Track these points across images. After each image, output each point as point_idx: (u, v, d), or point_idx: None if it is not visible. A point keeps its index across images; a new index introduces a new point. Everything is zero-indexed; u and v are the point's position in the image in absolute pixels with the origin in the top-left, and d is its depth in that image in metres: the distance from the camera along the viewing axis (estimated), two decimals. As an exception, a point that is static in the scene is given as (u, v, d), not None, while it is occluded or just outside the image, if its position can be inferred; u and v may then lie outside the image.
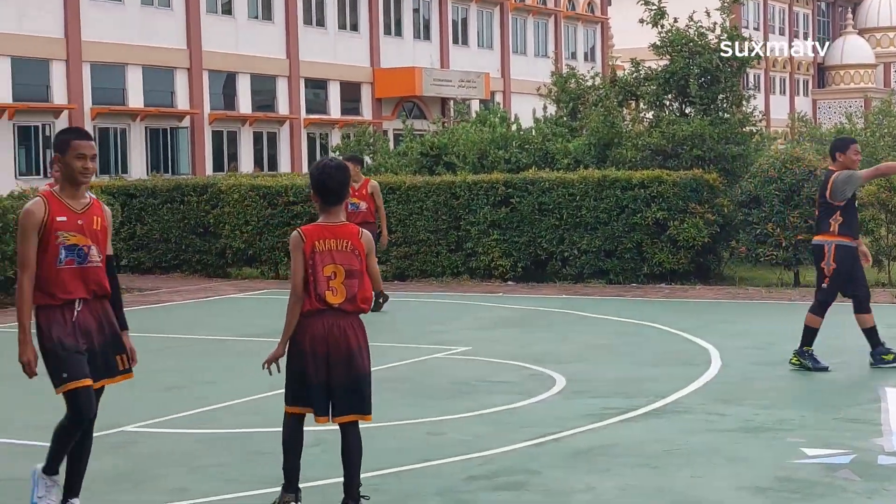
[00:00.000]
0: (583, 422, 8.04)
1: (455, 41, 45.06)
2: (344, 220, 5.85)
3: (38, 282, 5.69)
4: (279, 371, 5.87)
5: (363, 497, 5.88)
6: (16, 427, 8.39)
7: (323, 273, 5.68)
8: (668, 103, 19.51)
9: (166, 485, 6.70)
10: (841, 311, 13.92)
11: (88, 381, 5.74)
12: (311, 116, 38.86)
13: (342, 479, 5.90)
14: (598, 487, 6.44)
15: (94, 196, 5.98)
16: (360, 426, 5.86)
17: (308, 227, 5.82)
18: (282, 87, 37.87)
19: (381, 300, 14.15)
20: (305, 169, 37.48)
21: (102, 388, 5.97)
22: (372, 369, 5.91)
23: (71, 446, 5.82)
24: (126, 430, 8.06)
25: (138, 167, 32.68)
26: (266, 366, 5.87)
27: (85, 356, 5.76)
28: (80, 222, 5.74)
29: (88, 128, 31.22)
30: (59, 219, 5.69)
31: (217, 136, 35.88)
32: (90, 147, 5.82)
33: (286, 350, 5.83)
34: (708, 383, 9.43)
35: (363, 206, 14.40)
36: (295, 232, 5.80)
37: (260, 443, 7.78)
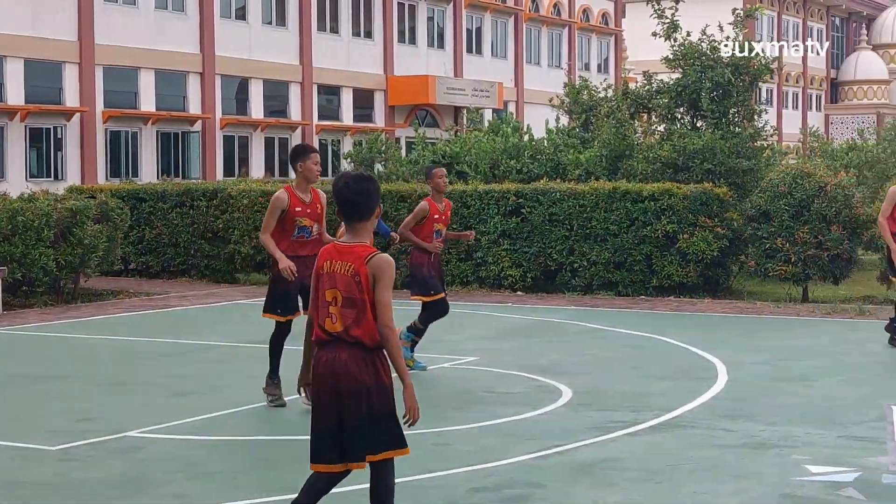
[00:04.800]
0: (588, 435, 8.03)
1: (469, 50, 45.08)
2: (363, 241, 5.19)
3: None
4: (308, 399, 5.42)
5: None
6: (23, 430, 8.39)
7: (324, 298, 5.16)
8: (679, 116, 19.51)
9: (168, 491, 6.71)
10: (846, 328, 13.90)
11: None
12: (324, 123, 38.90)
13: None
14: (602, 502, 6.43)
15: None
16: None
17: (325, 247, 5.32)
18: (294, 93, 37.92)
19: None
20: (316, 175, 37.47)
21: None
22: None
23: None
24: (131, 436, 8.07)
25: (149, 171, 32.71)
26: (300, 391, 5.49)
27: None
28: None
29: (99, 131, 31.34)
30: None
31: (228, 141, 35.93)
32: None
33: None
34: (714, 398, 9.41)
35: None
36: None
37: (265, 451, 7.79)
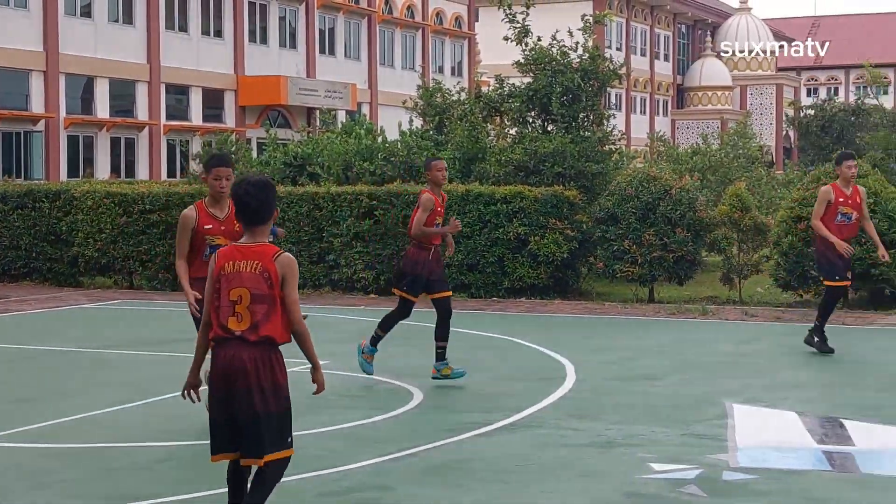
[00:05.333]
0: (438, 436, 8.05)
1: (322, 51, 44.87)
2: (262, 242, 5.31)
3: None
4: (199, 400, 5.58)
5: None
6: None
7: (228, 298, 5.21)
8: (531, 120, 19.77)
9: (9, 501, 6.47)
10: (690, 328, 14.28)
11: None
12: (172, 123, 38.22)
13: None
14: (450, 503, 6.45)
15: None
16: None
17: (223, 249, 5.40)
18: (142, 93, 37.15)
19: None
20: (164, 176, 36.83)
21: None
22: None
23: None
24: (-34, 445, 7.77)
25: (-10, 171, 31.62)
26: (184, 395, 5.55)
27: None
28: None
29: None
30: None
31: (73, 140, 35.00)
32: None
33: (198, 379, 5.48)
34: (562, 398, 9.54)
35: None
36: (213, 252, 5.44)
37: (110, 458, 7.58)
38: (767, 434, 8.24)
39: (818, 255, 12.04)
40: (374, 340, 10.34)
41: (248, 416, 5.17)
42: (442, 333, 10.30)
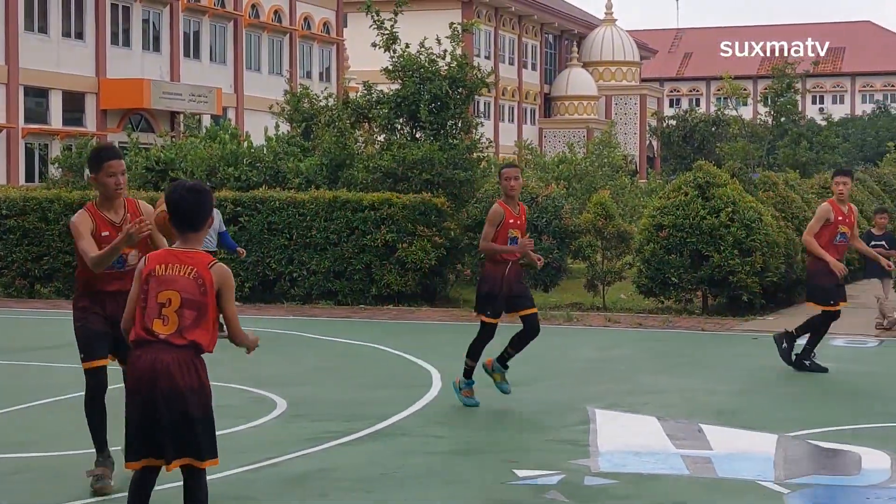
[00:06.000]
0: (301, 446, 7.95)
1: (187, 54, 44.15)
2: (196, 248, 5.16)
3: None
4: None
5: None
6: None
7: (156, 300, 5.06)
8: (399, 127, 19.75)
9: None
10: (554, 334, 14.43)
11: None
12: (31, 126, 37.15)
13: None
14: (312, 514, 6.37)
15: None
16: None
17: (155, 252, 5.23)
18: (-1, 95, 36.06)
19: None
20: (22, 180, 35.76)
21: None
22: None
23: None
24: None
25: None
26: None
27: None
28: None
29: None
30: None
31: (-74, 142, 33.78)
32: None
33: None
34: (427, 405, 9.53)
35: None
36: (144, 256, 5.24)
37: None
38: (628, 439, 8.35)
39: (809, 277, 11.22)
40: (467, 373, 9.54)
41: (178, 417, 5.02)
42: (517, 346, 9.55)
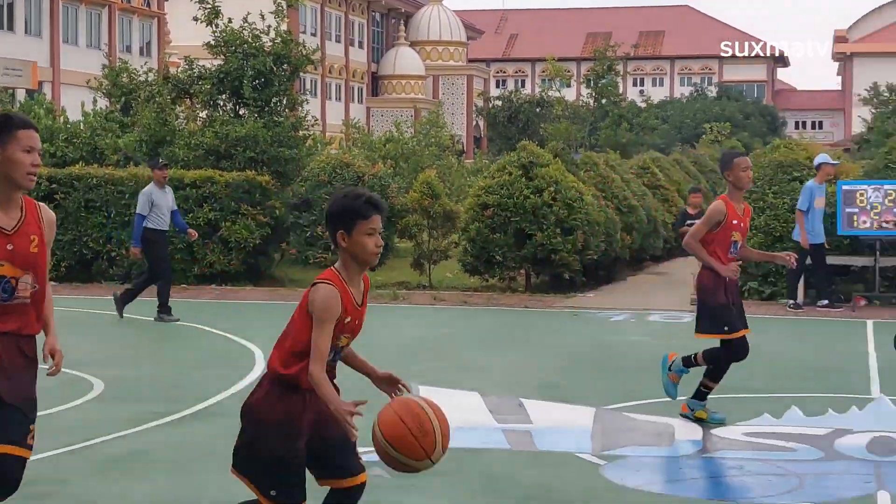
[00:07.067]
0: (119, 427, 7.76)
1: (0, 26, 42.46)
2: None
3: None
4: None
5: None
6: None
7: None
8: (222, 103, 19.44)
9: None
10: (382, 313, 14.47)
11: None
12: None
13: None
14: (128, 494, 6.23)
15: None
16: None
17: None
18: None
19: None
20: None
21: None
22: None
23: None
24: None
25: None
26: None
27: None
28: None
29: None
30: None
31: None
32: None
33: None
34: (249, 385, 9.39)
35: None
36: None
37: None
38: (450, 414, 8.35)
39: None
40: (701, 395, 8.08)
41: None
42: (716, 375, 8.04)
